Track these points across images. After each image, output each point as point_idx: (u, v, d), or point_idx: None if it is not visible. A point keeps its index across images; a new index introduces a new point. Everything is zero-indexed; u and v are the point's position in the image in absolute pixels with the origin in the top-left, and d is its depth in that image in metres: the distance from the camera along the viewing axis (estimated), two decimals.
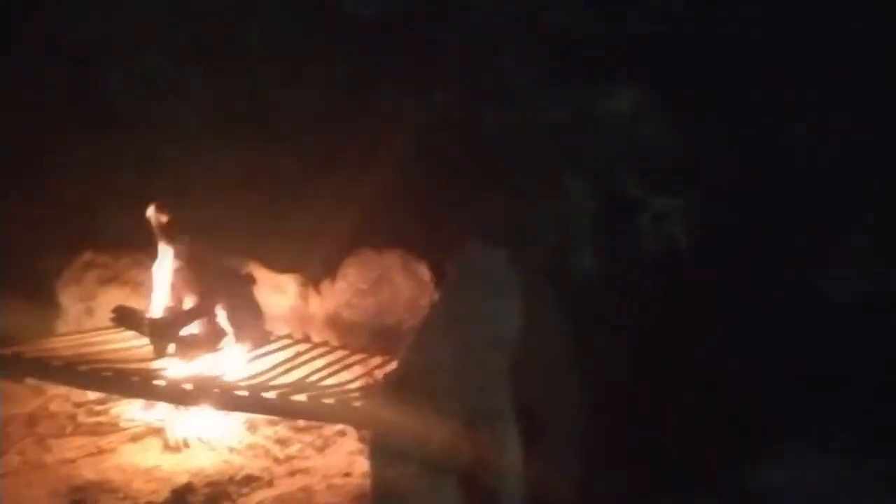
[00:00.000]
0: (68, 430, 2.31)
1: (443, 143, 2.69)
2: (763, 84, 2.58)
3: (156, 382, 2.02)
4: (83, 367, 2.03)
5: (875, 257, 2.60)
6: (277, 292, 2.61)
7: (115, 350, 2.21)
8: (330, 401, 1.99)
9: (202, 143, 2.77)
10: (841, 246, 2.61)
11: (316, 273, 2.63)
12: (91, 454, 2.21)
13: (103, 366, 2.06)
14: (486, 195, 2.66)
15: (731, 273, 2.57)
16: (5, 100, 2.96)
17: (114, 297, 2.56)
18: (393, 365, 2.08)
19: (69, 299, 2.66)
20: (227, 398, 1.99)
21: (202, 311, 2.32)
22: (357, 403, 1.98)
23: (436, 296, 2.25)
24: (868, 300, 2.53)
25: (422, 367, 1.92)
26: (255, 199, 2.70)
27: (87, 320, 2.62)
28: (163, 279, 2.38)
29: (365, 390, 2.06)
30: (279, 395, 1.99)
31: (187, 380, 2.05)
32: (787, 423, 2.30)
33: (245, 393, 1.99)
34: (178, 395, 2.02)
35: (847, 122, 2.55)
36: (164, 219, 2.33)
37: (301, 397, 1.99)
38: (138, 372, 2.06)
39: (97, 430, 2.30)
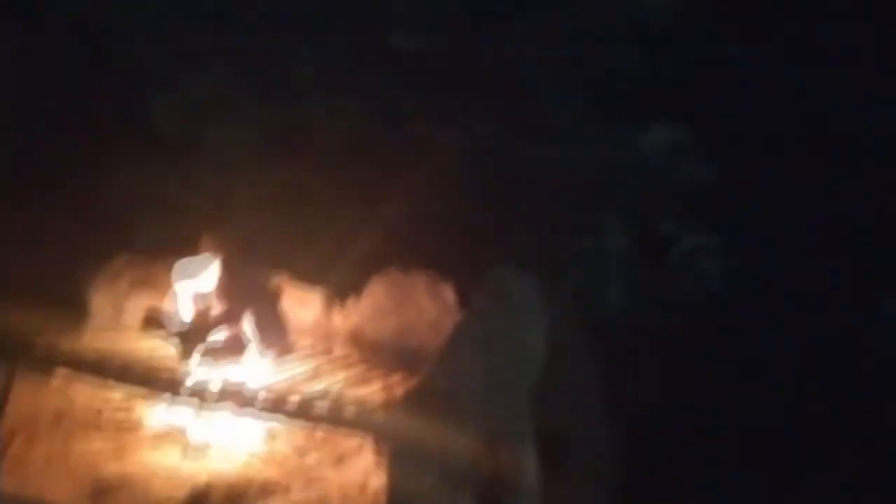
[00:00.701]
0: (93, 426, 2.35)
1: (478, 174, 2.75)
2: (803, 122, 2.61)
3: (183, 382, 2.06)
4: (115, 363, 2.08)
5: None
6: (303, 306, 2.66)
7: (144, 351, 2.26)
8: (351, 410, 2.01)
9: (243, 165, 2.86)
10: (885, 289, 2.57)
11: (342, 290, 2.68)
12: (114, 451, 2.26)
13: (134, 363, 2.11)
14: (519, 227, 2.71)
15: (762, 314, 2.57)
16: (57, 117, 3.09)
17: (145, 301, 2.62)
18: (413, 382, 2.11)
19: (101, 302, 2.72)
20: (250, 401, 2.03)
21: (228, 319, 2.37)
22: (378, 415, 2.00)
23: (461, 317, 2.28)
24: None
25: (445, 383, 1.95)
26: (288, 219, 2.78)
27: (116, 323, 2.68)
28: (192, 286, 2.44)
29: (386, 403, 2.09)
30: (301, 402, 2.02)
31: (212, 382, 2.09)
32: (808, 465, 2.29)
33: (267, 397, 2.03)
34: (203, 396, 2.06)
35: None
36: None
37: (322, 405, 2.02)
38: (167, 372, 2.11)
39: (121, 429, 2.35)
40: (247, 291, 2.47)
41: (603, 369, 2.26)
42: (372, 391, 2.25)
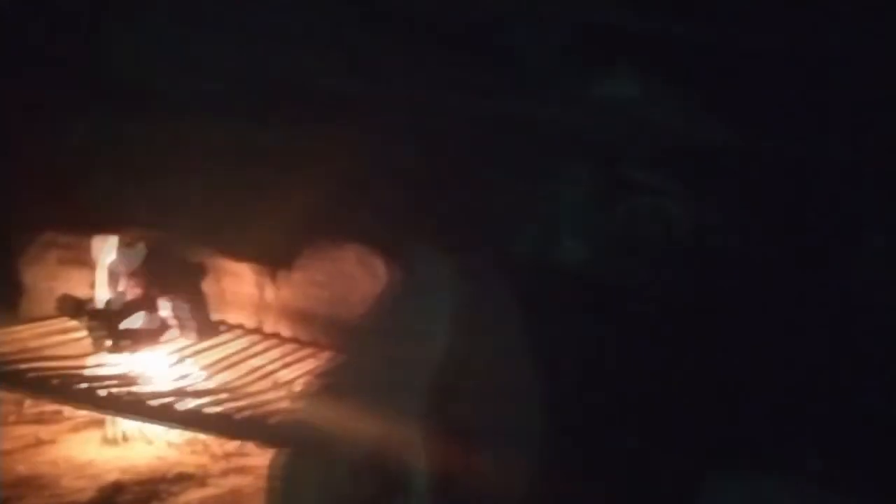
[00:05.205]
0: (11, 418, 2.33)
1: (432, 130, 2.54)
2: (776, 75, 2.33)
3: (75, 386, 1.98)
4: (30, 373, 2.01)
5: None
6: (234, 280, 2.56)
7: (59, 344, 2.19)
8: (244, 415, 1.91)
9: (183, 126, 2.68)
10: (860, 245, 2.36)
11: (273, 263, 2.55)
12: (30, 445, 2.23)
13: (46, 367, 2.03)
14: (465, 181, 2.51)
15: (728, 267, 2.37)
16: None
17: (75, 279, 2.54)
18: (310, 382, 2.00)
19: (33, 278, 2.66)
20: (137, 407, 1.94)
21: (143, 303, 2.28)
22: (271, 420, 1.90)
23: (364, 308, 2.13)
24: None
25: (341, 386, 1.82)
26: (221, 185, 2.63)
27: (50, 298, 2.61)
28: (110, 269, 2.34)
29: (288, 400, 1.98)
30: (191, 409, 1.93)
31: (106, 384, 2.02)
32: (757, 442, 2.11)
33: (156, 403, 1.94)
34: (96, 401, 1.98)
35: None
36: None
37: (216, 409, 1.93)
38: (73, 368, 2.03)
39: (40, 419, 2.31)
40: (168, 272, 2.37)
41: (536, 343, 2.10)
42: (292, 376, 2.15)
